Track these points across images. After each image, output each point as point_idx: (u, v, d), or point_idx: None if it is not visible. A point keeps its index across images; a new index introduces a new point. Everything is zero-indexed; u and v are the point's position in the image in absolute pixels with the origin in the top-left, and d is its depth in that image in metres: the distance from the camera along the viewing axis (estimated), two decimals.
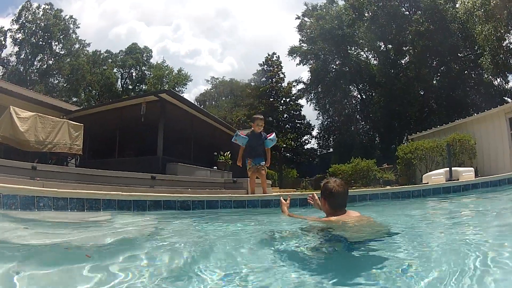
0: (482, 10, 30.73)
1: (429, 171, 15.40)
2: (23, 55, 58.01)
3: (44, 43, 58.61)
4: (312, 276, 2.94)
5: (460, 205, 8.35)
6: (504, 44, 31.10)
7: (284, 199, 6.06)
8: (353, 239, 3.98)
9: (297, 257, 3.58)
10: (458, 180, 11.40)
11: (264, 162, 9.84)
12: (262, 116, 9.92)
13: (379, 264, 3.14)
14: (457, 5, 38.00)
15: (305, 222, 5.00)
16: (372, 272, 2.92)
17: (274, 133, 10.26)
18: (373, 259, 3.39)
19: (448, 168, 12.76)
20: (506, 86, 40.43)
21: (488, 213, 6.39)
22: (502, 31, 29.55)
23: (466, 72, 43.20)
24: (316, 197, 5.26)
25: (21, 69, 57.45)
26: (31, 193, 5.70)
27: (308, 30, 52.59)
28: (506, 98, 38.47)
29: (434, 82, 45.61)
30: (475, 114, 22.58)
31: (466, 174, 12.23)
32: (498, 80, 38.94)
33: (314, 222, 4.81)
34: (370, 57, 52.28)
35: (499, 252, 3.10)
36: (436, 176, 12.60)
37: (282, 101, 56.09)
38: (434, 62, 44.30)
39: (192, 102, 32.94)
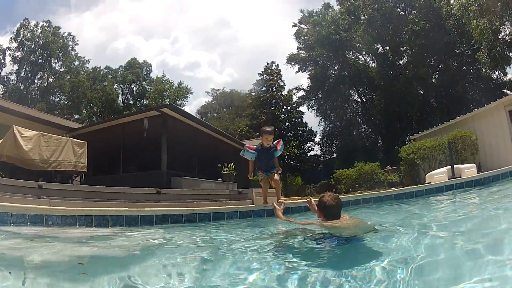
0: (476, 4, 30.79)
1: (433, 170, 15.44)
2: (23, 73, 57.94)
3: (43, 61, 58.55)
4: (311, 271, 3.15)
5: (460, 202, 8.46)
6: (500, 37, 31.12)
7: (278, 205, 6.48)
8: (347, 235, 4.38)
9: (295, 255, 3.89)
10: (460, 177, 11.45)
11: (276, 170, 9.34)
12: (271, 129, 9.40)
13: (373, 258, 3.36)
14: (452, 1, 38.18)
15: (301, 226, 5.58)
16: (366, 265, 3.14)
17: (281, 140, 9.81)
18: (367, 254, 3.71)
19: (450, 166, 12.81)
20: (505, 79, 40.31)
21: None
22: (497, 23, 29.55)
23: (464, 68, 43.34)
24: (313, 202, 5.71)
25: (21, 88, 57.39)
26: (40, 212, 5.79)
27: (305, 37, 52.60)
28: (505, 91, 38.39)
29: (433, 80, 45.62)
30: (476, 109, 22.60)
31: (468, 170, 12.25)
32: (497, 73, 38.89)
33: (310, 224, 5.42)
34: (368, 60, 52.24)
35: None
36: (439, 175, 12.64)
37: (283, 109, 56.10)
38: (432, 61, 44.28)
39: (194, 114, 33.17)
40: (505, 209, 5.96)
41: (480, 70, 38.14)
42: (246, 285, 2.84)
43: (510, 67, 35.03)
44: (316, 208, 5.27)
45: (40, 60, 58.41)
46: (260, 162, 9.31)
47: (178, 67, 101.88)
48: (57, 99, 61.40)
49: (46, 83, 59.19)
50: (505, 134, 19.11)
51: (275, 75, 56.64)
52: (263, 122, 52.80)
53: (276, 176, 9.25)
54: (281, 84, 56.80)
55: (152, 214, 7.09)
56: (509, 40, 31.42)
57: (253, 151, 9.23)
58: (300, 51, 54.19)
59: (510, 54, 32.41)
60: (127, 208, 7.08)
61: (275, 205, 6.32)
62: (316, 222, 5.17)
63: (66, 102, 60.67)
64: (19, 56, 57.63)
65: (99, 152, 19.13)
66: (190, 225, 7.14)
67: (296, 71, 54.60)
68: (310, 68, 53.68)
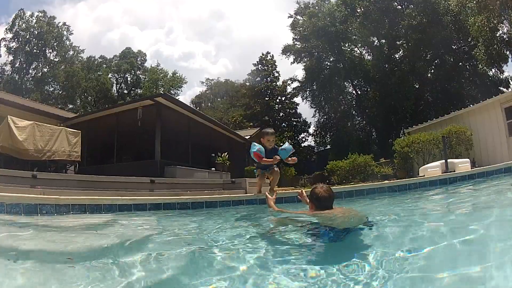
0: (474, 1, 30.84)
1: (427, 164, 15.49)
2: (18, 63, 57.91)
3: (38, 51, 58.47)
4: (304, 264, 3.17)
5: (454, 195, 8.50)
6: (497, 35, 31.16)
7: (270, 195, 6.34)
8: (339, 226, 4.32)
9: (283, 246, 3.96)
10: (454, 171, 11.49)
11: (274, 166, 8.73)
12: (272, 130, 8.68)
13: (367, 248, 3.47)
14: None
15: (294, 215, 5.54)
16: (360, 254, 3.20)
17: (287, 142, 9.19)
18: (360, 244, 3.73)
19: (444, 160, 12.85)
20: (501, 76, 40.61)
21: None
22: (495, 21, 29.55)
23: (460, 64, 43.41)
24: (304, 194, 5.73)
25: (16, 78, 57.30)
26: (34, 201, 5.81)
27: (301, 28, 52.54)
28: (501, 88, 38.55)
29: (429, 75, 45.78)
30: (471, 105, 22.66)
31: (462, 165, 12.30)
32: (493, 70, 38.96)
33: (302, 214, 5.34)
34: (364, 52, 52.44)
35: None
36: (432, 169, 12.71)
37: (277, 100, 56.28)
38: (428, 55, 44.35)
39: (188, 104, 33.07)
40: (497, 203, 6.01)
41: (477, 67, 38.07)
42: (229, 276, 2.85)
43: (507, 65, 35.16)
44: (308, 200, 5.28)
45: (35, 50, 58.38)
46: (263, 164, 8.60)
47: (173, 57, 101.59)
48: (51, 89, 61.38)
49: (40, 73, 59.13)
50: (501, 131, 19.20)
51: (270, 65, 56.76)
52: (258, 112, 52.91)
53: (276, 168, 8.87)
54: (276, 74, 57.06)
55: (145, 202, 7.12)
56: (507, 39, 31.44)
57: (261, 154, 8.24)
58: (295, 42, 54.20)
59: (507, 52, 32.46)
60: (120, 197, 7.10)
61: (267, 194, 6.23)
62: (308, 211, 5.10)
63: (60, 92, 60.55)
64: (14, 47, 57.60)
65: (93, 142, 19.17)
66: (183, 214, 7.16)
67: (291, 62, 54.64)
68: (306, 59, 53.66)
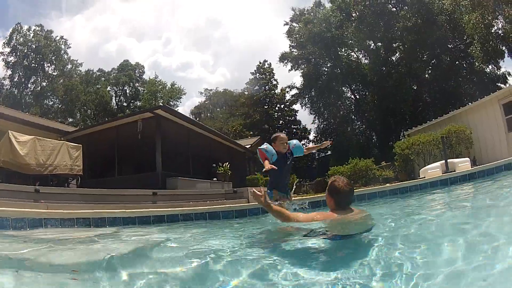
0: None
1: (427, 165, 15.50)
2: (17, 78, 58.13)
3: (36, 65, 58.64)
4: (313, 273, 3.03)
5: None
6: (492, 31, 31.24)
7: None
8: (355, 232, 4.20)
9: (292, 256, 3.73)
10: (454, 171, 11.50)
11: (291, 192, 7.72)
12: (283, 135, 7.53)
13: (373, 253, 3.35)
14: None
15: (302, 224, 4.75)
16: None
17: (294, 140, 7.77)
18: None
19: (444, 161, 12.88)
20: (498, 72, 40.58)
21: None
22: (489, 18, 29.65)
23: (457, 62, 43.53)
24: (262, 192, 4.82)
25: (15, 92, 57.48)
26: (38, 215, 5.86)
27: (297, 35, 52.77)
28: (499, 84, 38.55)
29: (426, 75, 45.90)
30: (469, 103, 22.71)
31: (462, 164, 12.31)
32: (490, 67, 39.03)
33: (314, 222, 4.65)
34: (360, 56, 52.54)
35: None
36: (433, 170, 12.72)
37: (276, 108, 56.46)
38: (425, 56, 44.42)
39: (187, 115, 33.15)
40: (499, 201, 6.00)
41: (473, 65, 38.09)
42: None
43: (503, 61, 35.22)
44: (266, 199, 4.79)
45: (33, 64, 58.55)
46: (278, 175, 7.36)
47: (171, 68, 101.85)
48: (50, 103, 61.42)
49: (39, 87, 59.31)
50: (500, 127, 19.22)
51: (267, 73, 56.97)
52: (257, 120, 52.96)
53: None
54: (274, 82, 57.26)
55: (149, 215, 7.16)
56: (502, 34, 31.52)
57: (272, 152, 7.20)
58: (292, 50, 54.43)
59: (503, 47, 32.54)
60: (123, 210, 7.14)
61: (255, 191, 4.92)
62: (320, 214, 4.61)
63: (60, 106, 60.66)
64: (12, 61, 57.71)
65: (94, 155, 19.19)
66: (186, 225, 7.18)
67: (289, 70, 54.94)
68: (303, 66, 53.84)
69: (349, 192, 4.57)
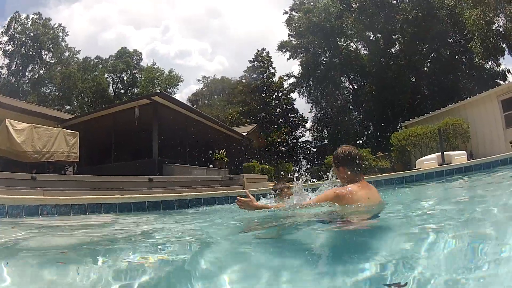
0: None
1: (424, 157, 15.55)
2: (14, 66, 57.72)
3: (34, 53, 58.26)
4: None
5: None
6: (493, 28, 31.14)
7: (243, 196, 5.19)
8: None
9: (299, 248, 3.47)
10: (451, 163, 11.55)
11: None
12: (286, 184, 6.69)
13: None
14: None
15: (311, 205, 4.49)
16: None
17: None
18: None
19: (440, 153, 12.92)
20: (498, 69, 40.44)
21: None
22: (491, 15, 29.52)
23: (456, 57, 43.36)
24: (248, 198, 4.54)
25: (12, 81, 57.14)
26: (34, 202, 5.89)
27: (296, 24, 52.46)
28: (498, 81, 38.47)
29: (425, 68, 45.88)
30: (468, 98, 22.74)
31: (459, 157, 12.38)
32: (490, 63, 38.85)
33: (307, 206, 4.49)
34: (360, 47, 52.26)
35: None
36: (429, 161, 12.79)
37: (274, 96, 56.21)
38: (424, 49, 44.29)
39: (184, 102, 33.08)
40: (493, 195, 6.01)
41: (473, 60, 37.80)
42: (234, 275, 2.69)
43: (503, 58, 35.15)
44: (254, 202, 4.48)
45: (30, 53, 58.17)
46: None
47: (169, 56, 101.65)
48: (48, 91, 61.10)
49: (37, 75, 58.98)
50: (498, 123, 19.30)
51: (266, 62, 56.72)
52: (254, 108, 52.95)
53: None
54: (272, 71, 56.93)
55: (144, 201, 7.20)
56: (503, 32, 31.43)
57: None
58: (291, 39, 54.10)
59: (504, 45, 32.46)
60: (119, 196, 7.17)
61: (240, 198, 4.60)
62: (323, 195, 4.33)
63: (57, 94, 60.38)
64: (10, 50, 57.43)
65: (91, 142, 19.17)
66: (181, 211, 7.19)
67: (288, 58, 54.46)
68: (301, 55, 53.58)
69: (359, 154, 4.44)
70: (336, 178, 4.82)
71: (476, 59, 34.17)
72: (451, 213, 4.21)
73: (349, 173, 4.35)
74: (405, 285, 2.22)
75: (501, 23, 31.74)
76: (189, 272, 2.79)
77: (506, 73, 40.52)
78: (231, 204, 7.72)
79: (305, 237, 3.84)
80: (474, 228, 3.32)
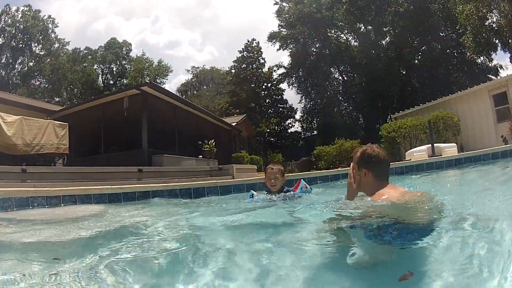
0: None
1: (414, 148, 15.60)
2: (4, 59, 57.18)
3: (24, 46, 57.68)
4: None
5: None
6: (486, 24, 31.16)
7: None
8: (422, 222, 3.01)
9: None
10: (441, 155, 11.59)
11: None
12: (272, 166, 6.12)
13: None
14: None
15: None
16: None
17: (301, 180, 6.06)
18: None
19: (430, 145, 12.97)
20: (490, 64, 40.52)
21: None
22: (484, 10, 29.56)
23: (448, 51, 43.52)
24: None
25: (2, 74, 56.53)
26: (25, 194, 5.90)
27: (286, 15, 52.24)
28: (490, 76, 38.60)
29: (416, 61, 46.06)
30: (459, 92, 22.85)
31: (449, 149, 12.42)
32: (482, 58, 38.85)
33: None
34: (350, 39, 52.15)
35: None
36: (419, 153, 12.83)
37: (263, 87, 56.10)
38: (415, 42, 44.45)
39: (174, 92, 33.00)
40: (485, 187, 6.02)
41: (465, 54, 37.98)
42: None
43: (495, 54, 35.20)
44: (357, 178, 3.74)
45: (20, 45, 57.61)
46: None
47: (158, 46, 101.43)
48: (37, 83, 60.66)
49: (26, 68, 58.48)
50: (488, 118, 19.47)
51: (255, 52, 56.60)
52: (244, 99, 52.97)
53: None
54: (262, 61, 56.82)
55: (134, 191, 7.22)
56: (496, 27, 31.46)
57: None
58: (281, 29, 53.88)
59: (496, 40, 32.52)
60: (109, 186, 7.18)
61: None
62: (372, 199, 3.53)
63: (46, 86, 59.96)
64: (0, 43, 56.78)
65: (80, 134, 19.11)
66: (171, 201, 7.18)
67: (277, 49, 54.28)
68: (291, 45, 53.42)
69: (388, 160, 3.69)
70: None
71: (468, 53, 34.27)
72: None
73: (371, 177, 3.62)
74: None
75: (494, 19, 31.75)
76: (185, 264, 2.72)
77: (498, 68, 40.73)
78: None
79: None
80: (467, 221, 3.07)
